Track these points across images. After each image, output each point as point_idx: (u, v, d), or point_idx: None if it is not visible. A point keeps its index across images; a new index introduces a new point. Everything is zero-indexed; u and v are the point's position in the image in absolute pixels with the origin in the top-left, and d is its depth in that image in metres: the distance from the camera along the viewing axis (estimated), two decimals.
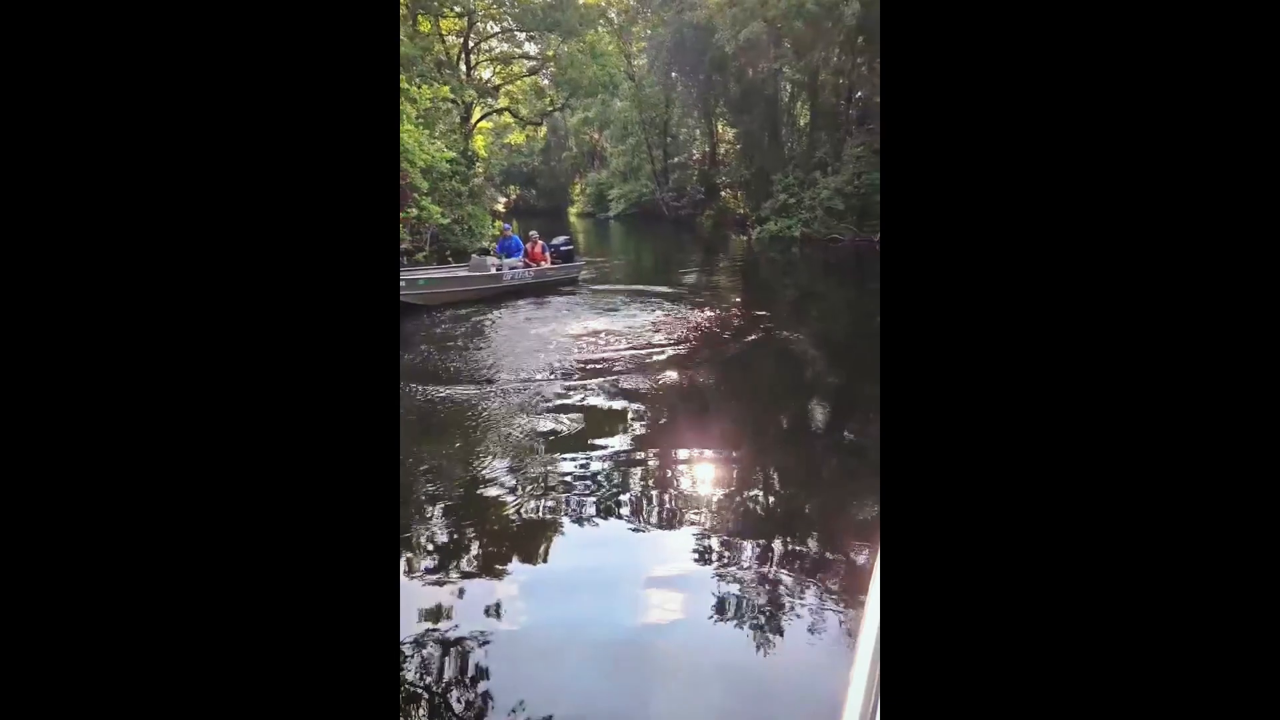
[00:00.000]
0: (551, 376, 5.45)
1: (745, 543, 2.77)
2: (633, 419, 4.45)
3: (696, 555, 2.69)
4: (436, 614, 2.33)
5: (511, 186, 34.18)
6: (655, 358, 6.00)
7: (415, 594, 2.42)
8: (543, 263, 9.82)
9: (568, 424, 4.32)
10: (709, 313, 8.11)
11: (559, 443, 3.97)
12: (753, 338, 6.95)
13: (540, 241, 10.10)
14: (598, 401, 4.82)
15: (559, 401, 4.78)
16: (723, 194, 23.28)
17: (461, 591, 2.45)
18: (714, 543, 2.79)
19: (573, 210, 34.71)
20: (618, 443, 3.99)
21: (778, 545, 2.76)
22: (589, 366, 5.74)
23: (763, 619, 2.27)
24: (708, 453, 3.91)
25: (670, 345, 6.44)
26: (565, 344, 6.51)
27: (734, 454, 3.90)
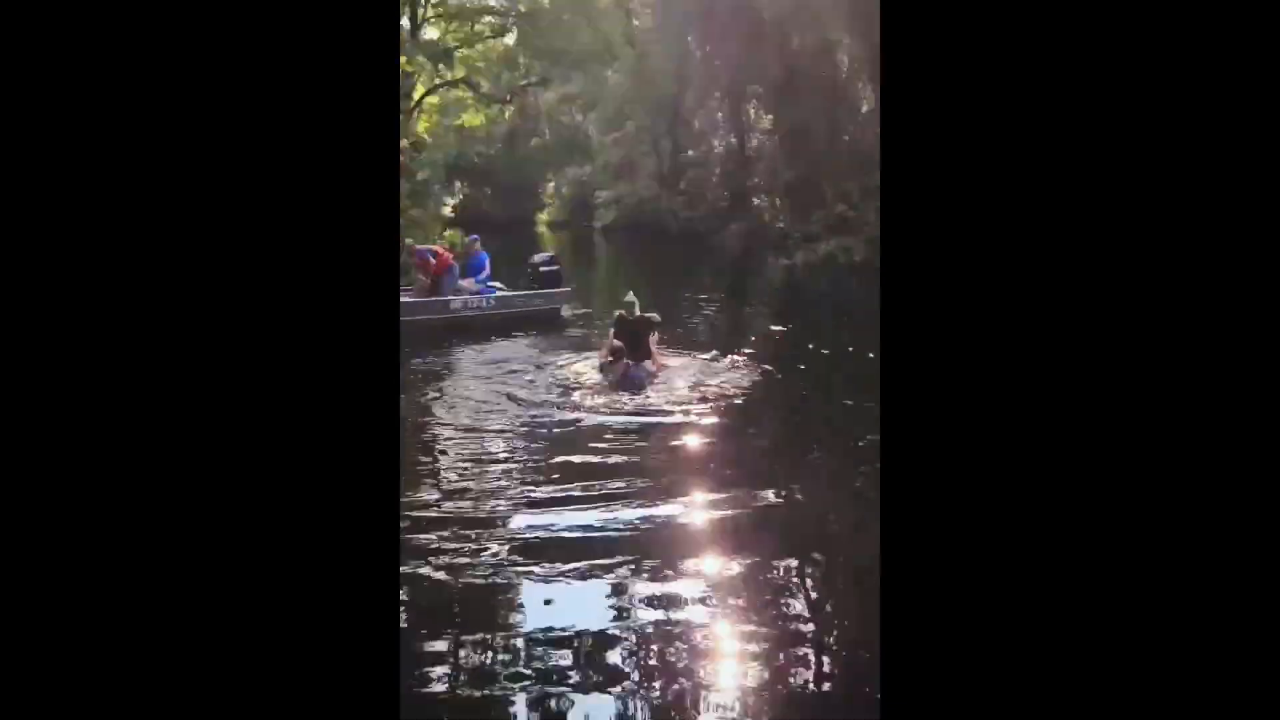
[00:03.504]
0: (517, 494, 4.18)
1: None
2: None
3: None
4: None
5: (459, 183, 28.52)
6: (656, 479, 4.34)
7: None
8: (442, 277, 8.75)
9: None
10: (739, 401, 5.68)
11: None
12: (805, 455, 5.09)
13: (448, 252, 9.21)
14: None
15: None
16: (755, 202, 20.92)
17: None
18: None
19: (542, 217, 30.04)
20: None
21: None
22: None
23: None
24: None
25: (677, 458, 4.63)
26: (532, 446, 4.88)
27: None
